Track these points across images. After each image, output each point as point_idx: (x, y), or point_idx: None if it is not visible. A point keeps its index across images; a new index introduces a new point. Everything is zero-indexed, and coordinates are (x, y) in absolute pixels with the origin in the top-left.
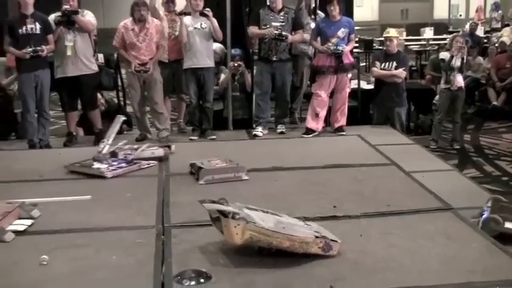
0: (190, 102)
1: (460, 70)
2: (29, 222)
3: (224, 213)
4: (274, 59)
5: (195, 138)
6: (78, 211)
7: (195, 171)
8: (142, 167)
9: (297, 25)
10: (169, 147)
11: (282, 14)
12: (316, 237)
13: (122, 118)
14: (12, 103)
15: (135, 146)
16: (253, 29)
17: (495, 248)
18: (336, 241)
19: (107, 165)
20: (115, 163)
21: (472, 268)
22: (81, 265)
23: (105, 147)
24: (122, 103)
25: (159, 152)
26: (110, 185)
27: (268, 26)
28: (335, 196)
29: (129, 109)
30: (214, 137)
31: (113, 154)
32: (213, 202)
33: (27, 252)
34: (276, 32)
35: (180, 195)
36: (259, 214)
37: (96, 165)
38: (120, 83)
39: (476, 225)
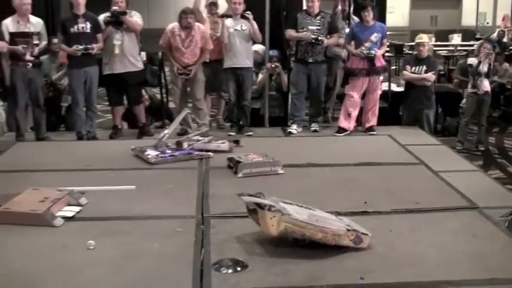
0: (229, 100)
1: (487, 75)
2: (77, 209)
3: (261, 206)
4: (310, 60)
5: (233, 134)
6: (123, 200)
7: (233, 165)
8: (195, 157)
9: (332, 29)
10: (237, 142)
11: (318, 18)
12: (348, 230)
13: (188, 111)
14: (61, 97)
15: (201, 138)
16: (290, 32)
17: None
18: (367, 234)
19: (158, 153)
20: (169, 151)
21: (496, 265)
22: (125, 251)
23: (165, 135)
24: (165, 99)
25: (225, 146)
26: (153, 176)
27: (305, 29)
28: (366, 193)
29: (171, 105)
30: (251, 133)
31: (178, 143)
32: (251, 196)
33: (75, 237)
34: (313, 36)
35: (218, 188)
36: (293, 207)
37: (149, 151)
38: (163, 80)
39: (503, 224)
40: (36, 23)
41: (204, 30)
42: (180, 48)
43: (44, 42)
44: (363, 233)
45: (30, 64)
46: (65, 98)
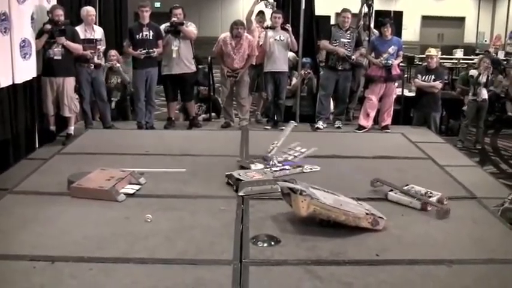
0: (267, 99)
1: (485, 85)
2: (137, 187)
3: (294, 190)
4: (339, 68)
5: (269, 127)
6: (175, 181)
7: (233, 183)
8: (305, 170)
9: (358, 42)
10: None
11: (348, 32)
12: (367, 213)
13: (294, 124)
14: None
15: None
16: (325, 43)
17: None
18: (383, 218)
19: (269, 167)
20: (280, 165)
21: (493, 248)
22: (177, 224)
23: (274, 148)
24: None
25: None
26: (200, 162)
27: (337, 41)
28: None
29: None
30: (283, 128)
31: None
32: (285, 181)
33: (135, 211)
34: (348, 54)
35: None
36: (321, 193)
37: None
38: (211, 80)
39: (497, 213)
40: (98, 31)
41: (251, 39)
42: (230, 54)
43: (103, 47)
44: (379, 217)
45: (93, 65)
46: (115, 94)
